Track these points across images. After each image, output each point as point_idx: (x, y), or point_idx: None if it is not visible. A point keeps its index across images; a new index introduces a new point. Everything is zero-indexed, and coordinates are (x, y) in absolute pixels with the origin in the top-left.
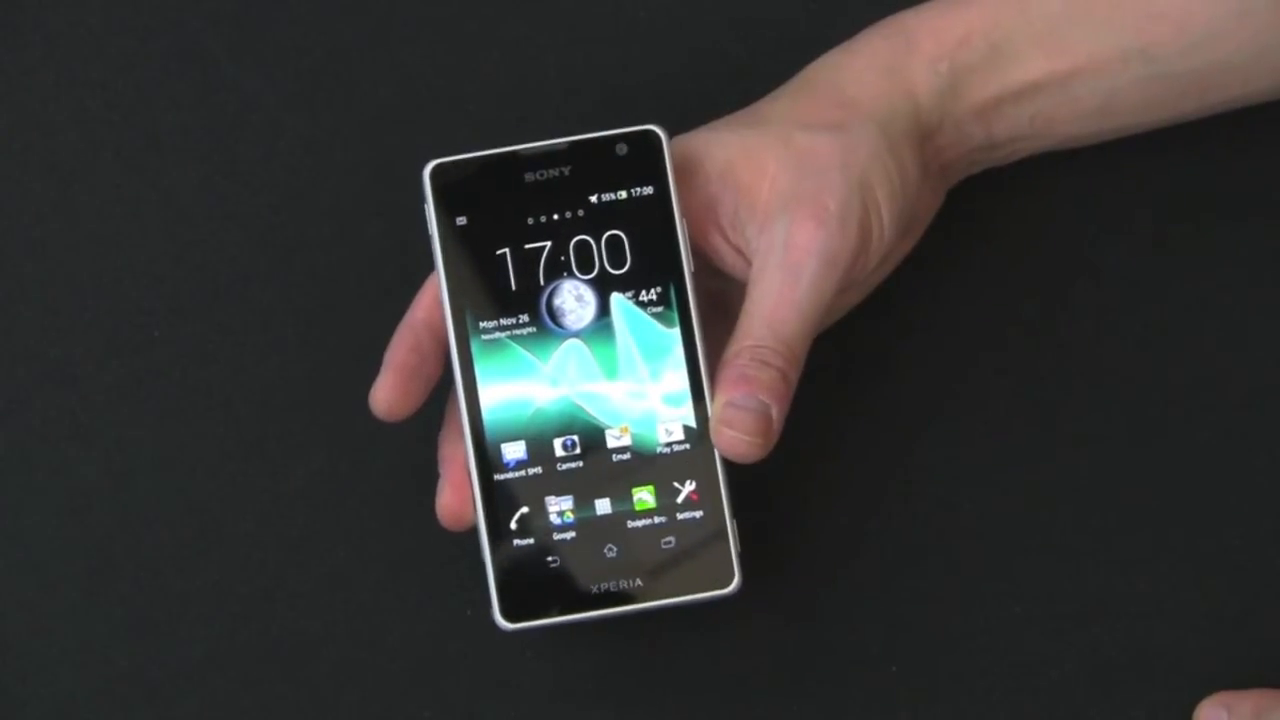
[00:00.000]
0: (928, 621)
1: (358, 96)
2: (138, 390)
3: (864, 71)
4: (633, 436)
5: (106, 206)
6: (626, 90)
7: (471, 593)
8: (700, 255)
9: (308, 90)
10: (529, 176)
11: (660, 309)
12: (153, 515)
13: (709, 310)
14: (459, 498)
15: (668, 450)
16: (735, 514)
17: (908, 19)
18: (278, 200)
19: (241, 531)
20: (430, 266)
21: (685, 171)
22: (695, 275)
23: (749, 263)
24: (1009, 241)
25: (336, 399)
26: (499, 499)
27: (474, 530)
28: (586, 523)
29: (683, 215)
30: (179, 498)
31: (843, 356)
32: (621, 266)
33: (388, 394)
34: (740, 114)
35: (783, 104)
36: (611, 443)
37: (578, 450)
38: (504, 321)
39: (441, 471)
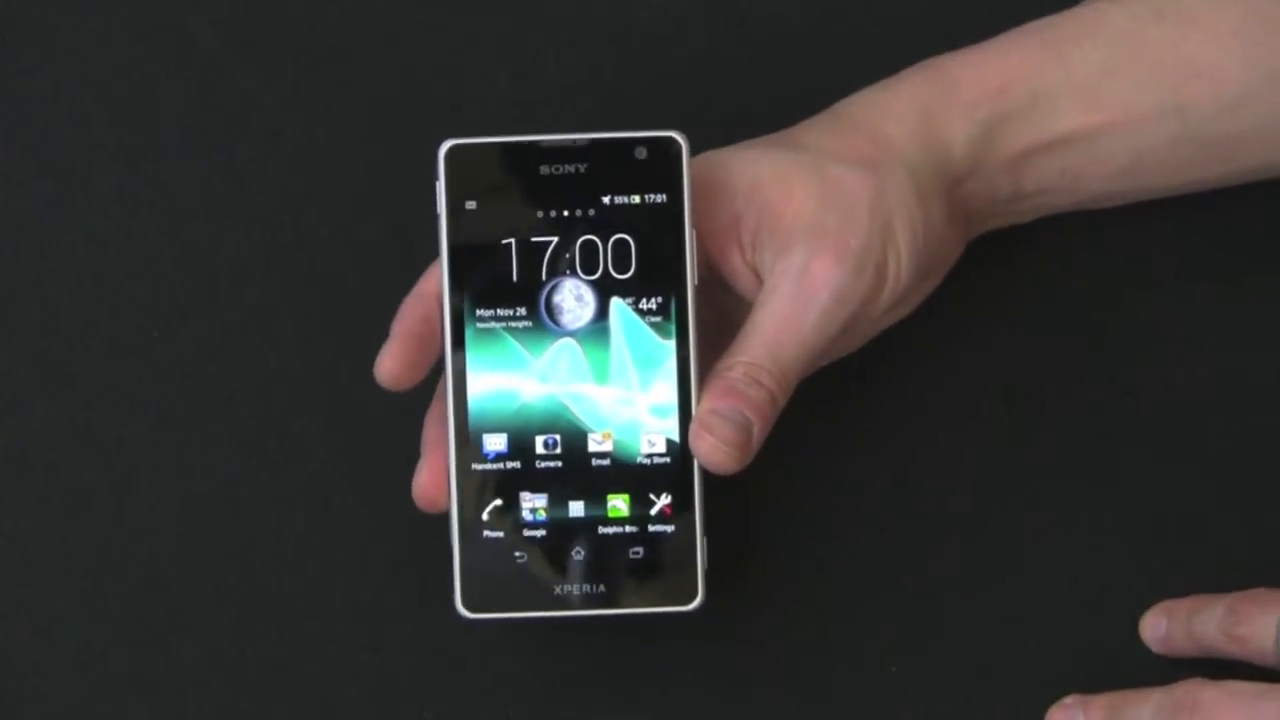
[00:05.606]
0: (928, 621)
1: (358, 96)
2: (138, 390)
3: (902, 112)
4: (615, 443)
5: (106, 206)
6: (625, 91)
7: None
8: (717, 272)
9: (308, 90)
10: (544, 169)
11: (659, 319)
12: (153, 515)
13: (715, 325)
14: (437, 481)
15: (648, 461)
16: (707, 532)
17: (948, 63)
18: (278, 200)
19: (241, 531)
20: (436, 248)
21: (712, 187)
22: (707, 288)
23: (761, 283)
24: (1005, 251)
25: (336, 399)
26: (474, 488)
27: (446, 515)
28: (558, 523)
29: (693, 227)
30: (179, 498)
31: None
32: (626, 271)
33: (394, 363)
34: (773, 136)
35: (817, 133)
36: (593, 447)
37: (558, 450)
38: (501, 312)
39: (423, 451)
